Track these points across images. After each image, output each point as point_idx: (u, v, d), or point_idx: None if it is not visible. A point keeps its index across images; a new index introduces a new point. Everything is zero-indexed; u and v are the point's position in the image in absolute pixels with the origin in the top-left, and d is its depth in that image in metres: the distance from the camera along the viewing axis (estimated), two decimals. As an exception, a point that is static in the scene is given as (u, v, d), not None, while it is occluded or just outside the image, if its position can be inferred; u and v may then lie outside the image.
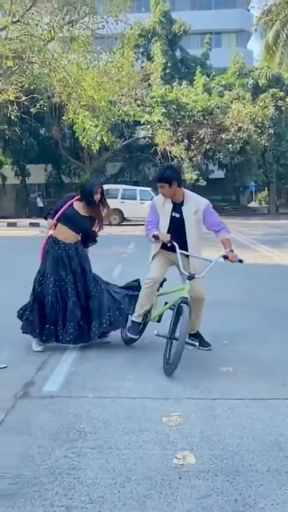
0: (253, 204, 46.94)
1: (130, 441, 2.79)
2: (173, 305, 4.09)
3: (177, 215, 4.23)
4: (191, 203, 4.25)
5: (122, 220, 23.72)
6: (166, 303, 4.31)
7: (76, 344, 4.41)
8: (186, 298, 3.93)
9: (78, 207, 4.47)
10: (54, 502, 2.23)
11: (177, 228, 4.21)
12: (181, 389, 3.56)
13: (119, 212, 23.65)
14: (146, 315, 4.46)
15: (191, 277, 3.99)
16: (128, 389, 3.56)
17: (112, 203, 24.34)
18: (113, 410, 3.20)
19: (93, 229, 4.60)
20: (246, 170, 30.22)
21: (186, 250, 4.18)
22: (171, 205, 4.26)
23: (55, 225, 4.49)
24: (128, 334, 4.46)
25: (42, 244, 4.55)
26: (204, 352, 4.33)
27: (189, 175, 27.71)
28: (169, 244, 4.15)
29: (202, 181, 27.89)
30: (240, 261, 4.12)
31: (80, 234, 4.55)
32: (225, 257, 4.11)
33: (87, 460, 2.60)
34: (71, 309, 4.32)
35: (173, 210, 4.25)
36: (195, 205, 4.24)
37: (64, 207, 4.45)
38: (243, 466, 2.53)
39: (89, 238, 4.65)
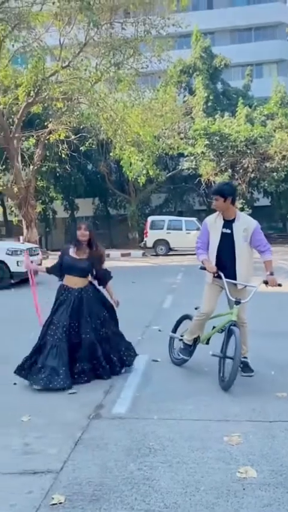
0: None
1: (196, 457, 3.10)
2: (222, 328, 4.49)
3: (228, 231, 4.59)
4: (242, 221, 4.62)
5: (168, 250, 24.14)
6: (214, 327, 4.69)
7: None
8: (235, 321, 4.35)
9: (73, 252, 4.77)
10: (134, 506, 2.56)
11: (227, 243, 4.58)
12: (239, 411, 3.83)
13: (165, 243, 24.12)
14: (196, 338, 4.81)
15: (238, 302, 4.35)
16: (189, 412, 3.87)
17: (158, 234, 25.08)
18: (177, 430, 3.51)
19: (98, 267, 4.85)
20: (292, 198, 30.15)
21: (235, 267, 4.53)
22: (223, 221, 4.63)
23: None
24: (180, 355, 4.91)
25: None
26: (259, 378, 4.60)
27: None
28: (215, 275, 4.50)
29: (247, 209, 28.02)
30: (279, 285, 4.48)
31: (89, 277, 4.82)
32: (266, 282, 4.44)
33: (159, 472, 2.92)
34: (84, 349, 4.61)
35: (224, 226, 4.62)
36: (245, 223, 4.61)
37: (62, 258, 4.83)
38: (302, 480, 2.78)
39: (100, 276, 4.89)
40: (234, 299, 4.45)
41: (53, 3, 18.21)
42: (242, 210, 27.91)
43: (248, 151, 27.83)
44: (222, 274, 4.49)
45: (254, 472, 2.88)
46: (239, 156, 28.10)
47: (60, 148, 22.90)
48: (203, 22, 35.25)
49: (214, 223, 4.70)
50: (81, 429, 3.57)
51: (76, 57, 20.25)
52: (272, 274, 4.49)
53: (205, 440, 3.33)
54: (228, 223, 4.63)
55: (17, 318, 7.83)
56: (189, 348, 4.87)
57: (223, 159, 28.31)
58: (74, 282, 4.76)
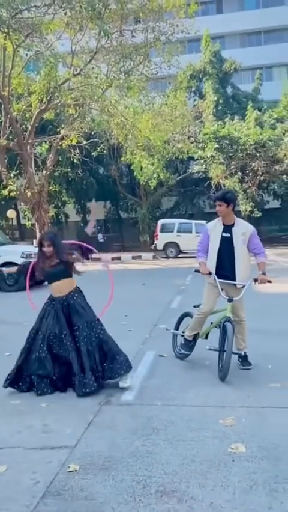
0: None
1: (193, 436, 3.52)
2: (218, 324, 4.97)
3: (228, 235, 5.06)
4: (240, 226, 5.11)
5: (179, 253, 24.54)
6: (211, 322, 5.18)
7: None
8: (229, 317, 4.83)
9: (43, 263, 4.74)
10: (138, 473, 3.00)
11: (226, 246, 5.05)
12: (235, 398, 4.25)
13: (176, 245, 24.54)
14: (196, 334, 5.29)
15: (230, 300, 4.83)
16: (190, 399, 4.29)
17: (168, 237, 25.45)
18: (178, 414, 3.94)
19: (72, 255, 4.69)
20: (303, 200, 30.39)
21: (234, 267, 4.99)
22: (222, 226, 5.11)
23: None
24: (182, 350, 5.41)
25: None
26: (256, 371, 5.01)
27: (244, 207, 28.29)
28: (208, 274, 4.99)
29: (257, 212, 28.34)
30: (269, 281, 4.94)
31: (70, 275, 4.74)
32: (256, 280, 4.91)
33: (160, 448, 3.35)
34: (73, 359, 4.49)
35: (224, 230, 5.09)
36: (244, 228, 5.10)
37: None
38: (285, 454, 3.19)
39: (83, 253, 4.81)
40: (227, 297, 4.90)
41: (65, 13, 18.79)
42: (251, 212, 28.28)
43: (258, 154, 28.12)
44: (215, 275, 4.96)
45: (243, 447, 3.30)
46: (248, 159, 28.41)
47: (72, 153, 23.47)
48: (212, 27, 35.68)
49: (214, 228, 5.15)
50: (93, 413, 4.02)
51: (87, 64, 20.81)
52: (264, 273, 4.94)
53: (202, 422, 3.76)
54: (227, 228, 5.08)
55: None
56: (190, 344, 5.34)
57: (233, 162, 28.64)
58: (57, 289, 4.71)
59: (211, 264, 5.08)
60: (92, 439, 3.53)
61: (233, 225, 5.09)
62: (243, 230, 5.07)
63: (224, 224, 5.11)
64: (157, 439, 3.49)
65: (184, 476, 2.94)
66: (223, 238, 5.07)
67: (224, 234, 5.07)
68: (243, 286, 5.02)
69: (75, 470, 3.06)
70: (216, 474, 2.96)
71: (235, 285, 5.05)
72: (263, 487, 2.79)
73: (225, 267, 5.04)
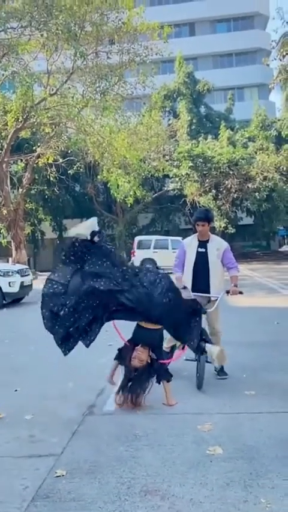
0: (285, 248, 47.44)
1: (173, 441, 3.72)
2: None
3: (203, 250, 5.38)
4: (215, 242, 5.45)
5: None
6: None
7: None
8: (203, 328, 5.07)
9: None
10: (122, 475, 3.19)
11: (201, 260, 5.34)
12: (213, 406, 4.47)
13: (153, 262, 24.80)
14: (173, 346, 5.53)
15: (204, 312, 5.10)
16: (170, 408, 4.49)
17: (145, 253, 25.69)
18: (159, 422, 4.14)
19: None
20: (275, 216, 31.14)
21: (209, 281, 5.26)
22: (198, 242, 5.43)
23: None
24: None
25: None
26: (232, 380, 5.27)
27: (218, 223, 28.90)
28: (183, 287, 5.24)
29: (231, 228, 28.97)
30: (241, 292, 5.23)
31: None
32: (228, 292, 5.22)
33: (143, 452, 3.54)
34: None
35: (199, 246, 5.41)
36: (218, 244, 5.44)
37: None
38: (258, 454, 3.42)
39: None
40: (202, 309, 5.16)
41: (42, 35, 19.16)
42: (226, 228, 28.89)
43: (231, 172, 28.89)
44: (189, 289, 5.23)
45: (220, 449, 3.51)
46: (222, 177, 29.15)
47: (49, 171, 23.69)
48: (186, 48, 36.73)
49: (190, 244, 5.46)
50: (77, 423, 4.18)
51: (63, 84, 21.17)
52: (236, 286, 5.24)
53: (182, 428, 3.96)
54: (203, 244, 5.39)
55: (11, 337, 8.43)
56: (167, 355, 5.51)
57: (207, 180, 29.33)
58: None
59: (187, 278, 5.35)
60: (78, 447, 3.70)
61: (208, 241, 5.40)
62: (217, 246, 5.37)
63: (199, 240, 5.41)
64: (140, 445, 3.68)
65: (166, 477, 3.14)
66: (198, 254, 5.36)
67: (200, 250, 5.37)
68: (217, 299, 5.29)
69: (63, 475, 3.22)
70: (195, 474, 3.17)
71: (210, 297, 5.31)
72: (238, 483, 3.01)
73: (201, 281, 5.32)
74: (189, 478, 3.11)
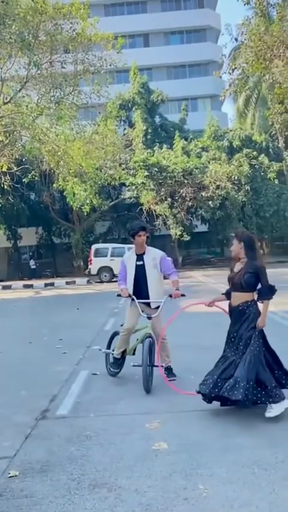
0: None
1: (123, 439, 3.94)
2: (142, 341, 5.48)
3: (141, 262, 5.70)
4: (150, 253, 5.77)
5: (112, 277, 24.98)
6: (137, 339, 5.69)
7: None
8: (150, 333, 5.44)
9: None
10: (73, 472, 3.38)
11: (141, 272, 5.68)
12: (161, 406, 4.73)
13: (109, 269, 24.97)
14: (124, 351, 5.77)
15: (149, 318, 5.39)
16: (120, 409, 4.72)
17: (102, 261, 25.79)
18: (109, 422, 4.35)
19: None
20: (228, 224, 31.96)
21: (148, 289, 5.58)
22: (136, 256, 5.75)
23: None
24: (111, 368, 5.92)
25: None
26: (180, 382, 5.52)
27: (174, 231, 29.45)
28: (128, 296, 5.58)
29: (186, 236, 29.55)
30: (183, 295, 5.55)
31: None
32: (170, 295, 5.51)
33: (93, 451, 3.74)
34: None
35: (137, 259, 5.73)
36: (153, 254, 5.77)
37: None
38: (201, 447, 3.69)
39: None
40: (146, 315, 5.47)
41: (-6, 43, 19.09)
42: (181, 236, 29.45)
43: (185, 181, 29.53)
44: (134, 298, 5.56)
45: (165, 445, 3.76)
46: (177, 186, 29.73)
47: (3, 179, 23.46)
48: (140, 59, 37.24)
49: (129, 258, 5.84)
50: (31, 427, 4.33)
51: (17, 93, 21.13)
52: (177, 289, 5.56)
53: (131, 427, 4.19)
54: (140, 256, 5.76)
55: None
56: (118, 362, 5.86)
57: (162, 189, 29.83)
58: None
59: (130, 289, 5.66)
60: (30, 449, 3.85)
61: (144, 253, 5.74)
62: (153, 256, 5.74)
63: (136, 254, 5.76)
64: (90, 444, 3.88)
65: (114, 472, 3.35)
66: (137, 266, 5.72)
67: (138, 263, 5.73)
68: (158, 307, 5.58)
69: (16, 476, 3.38)
70: (141, 467, 3.40)
71: (149, 304, 5.62)
72: (180, 473, 3.27)
73: (142, 290, 5.67)
74: (135, 471, 3.34)
